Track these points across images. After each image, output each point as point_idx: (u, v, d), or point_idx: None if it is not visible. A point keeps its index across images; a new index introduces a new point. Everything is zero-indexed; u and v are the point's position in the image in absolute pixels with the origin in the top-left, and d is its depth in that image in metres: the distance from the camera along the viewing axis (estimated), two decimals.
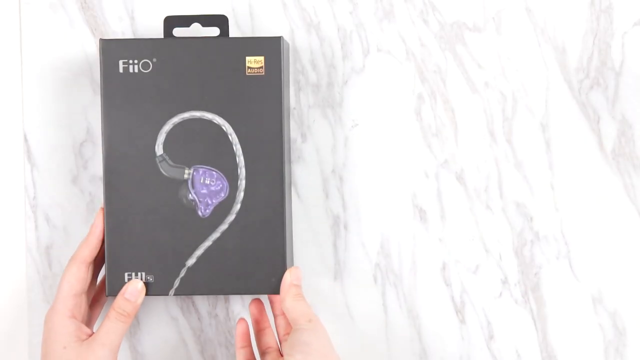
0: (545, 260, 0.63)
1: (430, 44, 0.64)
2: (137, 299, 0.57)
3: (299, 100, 0.64)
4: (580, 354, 0.63)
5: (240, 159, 0.58)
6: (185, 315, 0.64)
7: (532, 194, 0.64)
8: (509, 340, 0.64)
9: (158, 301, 0.64)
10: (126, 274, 0.57)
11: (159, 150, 0.57)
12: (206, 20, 0.59)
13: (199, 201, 0.58)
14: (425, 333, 0.64)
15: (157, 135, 0.58)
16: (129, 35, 0.64)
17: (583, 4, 0.63)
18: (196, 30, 0.61)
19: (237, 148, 0.58)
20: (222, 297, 0.64)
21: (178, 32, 0.61)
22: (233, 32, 0.63)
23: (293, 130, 0.64)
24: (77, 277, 0.56)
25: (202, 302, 0.64)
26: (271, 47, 0.58)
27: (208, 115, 0.57)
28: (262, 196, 0.58)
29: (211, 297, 0.64)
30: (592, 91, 0.63)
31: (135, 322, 0.64)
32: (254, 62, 0.57)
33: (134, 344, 0.64)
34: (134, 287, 0.57)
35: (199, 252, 0.58)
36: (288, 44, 0.62)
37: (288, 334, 0.57)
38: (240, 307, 0.64)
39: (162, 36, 0.61)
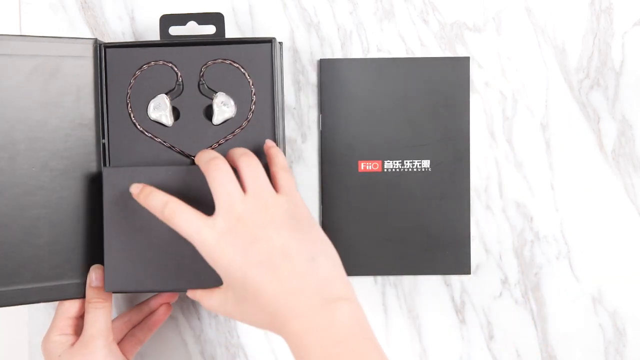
0: (545, 260, 0.63)
1: (430, 44, 0.64)
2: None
3: (299, 100, 0.64)
4: (580, 354, 0.63)
5: None
6: (185, 315, 0.64)
7: (532, 194, 0.64)
8: (509, 340, 0.64)
9: None
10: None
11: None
12: (202, 18, 0.59)
13: None
14: (425, 333, 0.64)
15: None
16: (129, 35, 0.64)
17: (583, 4, 0.63)
18: (192, 28, 0.61)
19: None
20: None
21: (174, 30, 0.61)
22: (233, 33, 0.63)
23: (293, 130, 0.64)
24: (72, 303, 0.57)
25: None
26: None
27: None
28: None
29: None
30: (592, 91, 0.63)
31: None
32: None
33: None
34: (98, 273, 0.56)
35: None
36: (282, 44, 0.62)
37: None
38: None
39: (158, 35, 0.61)
